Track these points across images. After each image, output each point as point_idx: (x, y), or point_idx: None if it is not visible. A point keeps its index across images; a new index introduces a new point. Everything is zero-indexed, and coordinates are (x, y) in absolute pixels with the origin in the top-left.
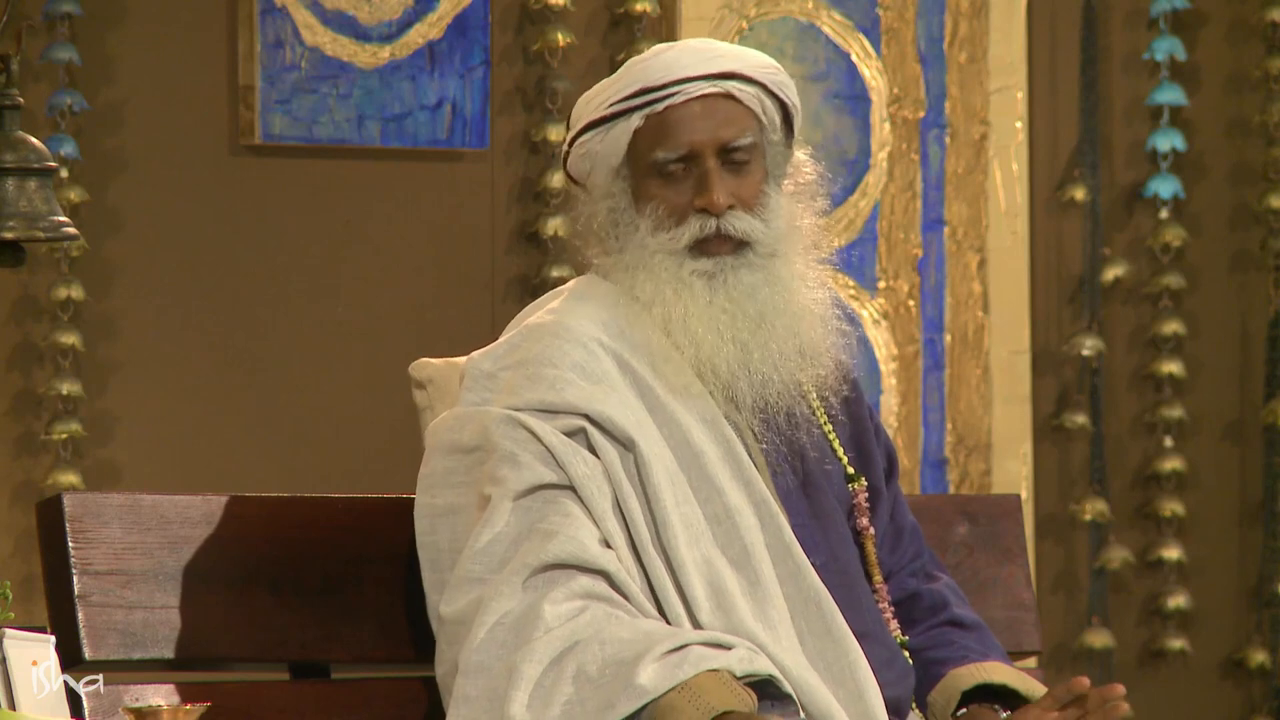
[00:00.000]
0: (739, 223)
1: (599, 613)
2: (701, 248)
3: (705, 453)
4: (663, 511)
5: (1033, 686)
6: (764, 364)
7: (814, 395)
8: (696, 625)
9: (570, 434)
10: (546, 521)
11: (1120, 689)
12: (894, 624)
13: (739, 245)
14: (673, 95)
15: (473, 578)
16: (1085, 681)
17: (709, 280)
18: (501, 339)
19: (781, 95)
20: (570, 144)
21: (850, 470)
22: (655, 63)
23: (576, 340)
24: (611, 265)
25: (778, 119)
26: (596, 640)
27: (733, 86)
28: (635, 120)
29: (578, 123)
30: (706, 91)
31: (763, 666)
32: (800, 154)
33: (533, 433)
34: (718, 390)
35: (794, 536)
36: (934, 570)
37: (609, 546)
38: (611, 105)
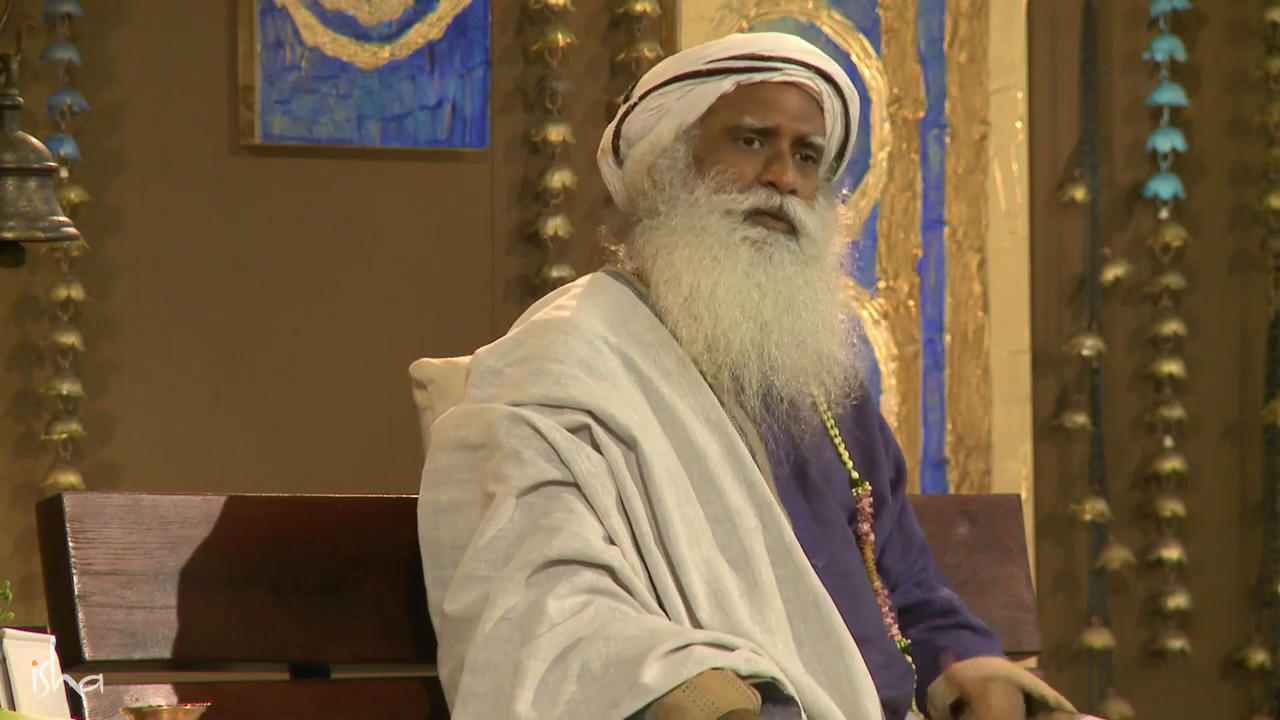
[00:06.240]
0: (799, 209)
1: (603, 608)
2: (758, 218)
3: (708, 453)
4: (664, 511)
5: (1035, 683)
6: (779, 348)
7: (823, 400)
8: (697, 624)
9: (574, 430)
10: (550, 518)
11: None
12: (894, 628)
13: (792, 229)
14: (775, 70)
15: (477, 575)
16: None
17: (755, 248)
18: (508, 335)
19: (851, 124)
20: (640, 98)
21: (855, 475)
22: (765, 37)
23: (582, 336)
24: (655, 226)
25: (836, 146)
26: (601, 637)
27: (825, 91)
28: (726, 84)
29: (659, 77)
30: (803, 81)
31: (766, 668)
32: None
33: (536, 429)
34: (725, 372)
35: (795, 538)
36: (939, 585)
37: (613, 543)
38: (712, 62)
